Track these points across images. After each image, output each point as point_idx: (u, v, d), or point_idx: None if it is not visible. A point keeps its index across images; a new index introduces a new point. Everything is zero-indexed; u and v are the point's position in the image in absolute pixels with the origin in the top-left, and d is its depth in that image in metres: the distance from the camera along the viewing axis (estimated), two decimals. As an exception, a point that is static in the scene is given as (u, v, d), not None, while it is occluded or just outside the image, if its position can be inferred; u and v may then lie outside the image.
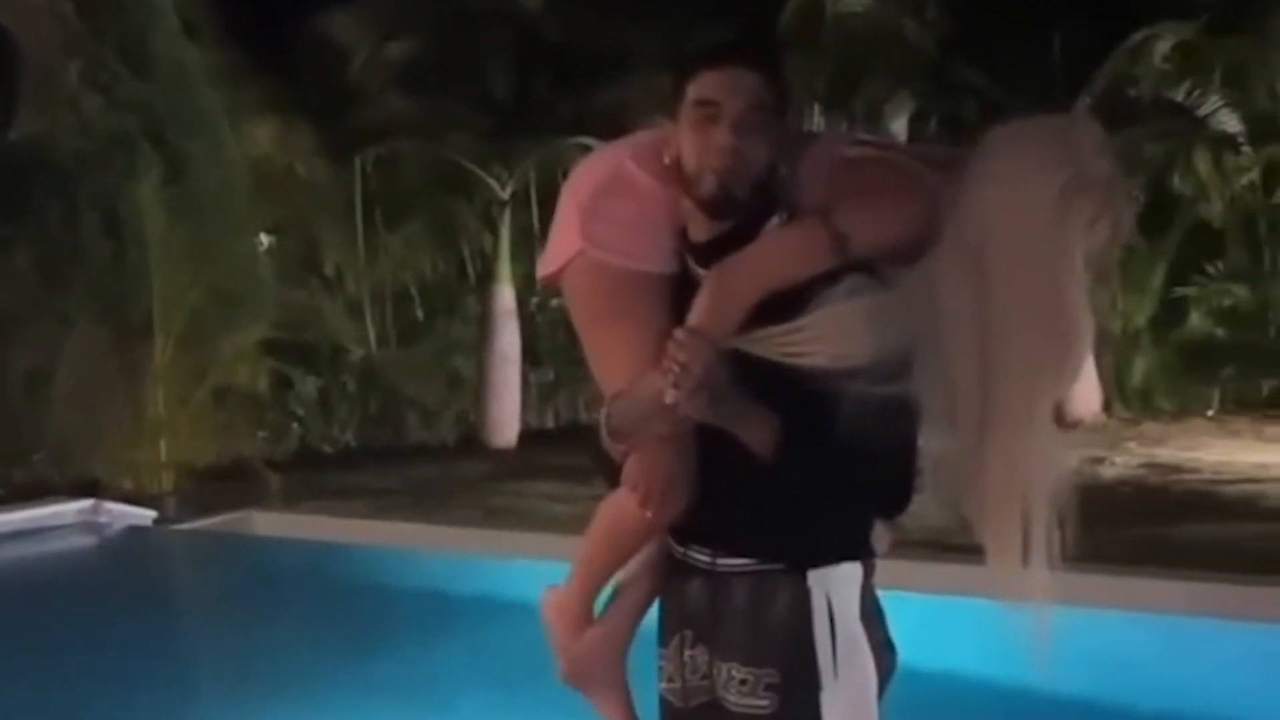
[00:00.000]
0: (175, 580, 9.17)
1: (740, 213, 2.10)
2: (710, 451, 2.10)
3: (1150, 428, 14.59)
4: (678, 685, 2.24)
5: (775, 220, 2.12)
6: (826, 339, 1.96)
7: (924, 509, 2.06)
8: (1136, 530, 8.35)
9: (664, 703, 2.28)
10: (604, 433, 2.14)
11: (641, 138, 2.25)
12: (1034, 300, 1.91)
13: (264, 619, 6.85)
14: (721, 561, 2.16)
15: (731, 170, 2.05)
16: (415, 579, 7.50)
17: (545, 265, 2.25)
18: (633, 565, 2.32)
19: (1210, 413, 15.52)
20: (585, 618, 2.35)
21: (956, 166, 2.03)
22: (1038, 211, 1.90)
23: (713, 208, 2.09)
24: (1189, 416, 15.22)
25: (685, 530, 2.20)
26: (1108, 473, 11.82)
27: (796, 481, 2.05)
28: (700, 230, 2.14)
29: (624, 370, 2.13)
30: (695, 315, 2.04)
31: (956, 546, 2.12)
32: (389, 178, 16.80)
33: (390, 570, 7.95)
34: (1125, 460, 12.56)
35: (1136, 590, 5.91)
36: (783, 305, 2.01)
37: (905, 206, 2.03)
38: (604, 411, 2.15)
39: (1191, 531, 8.49)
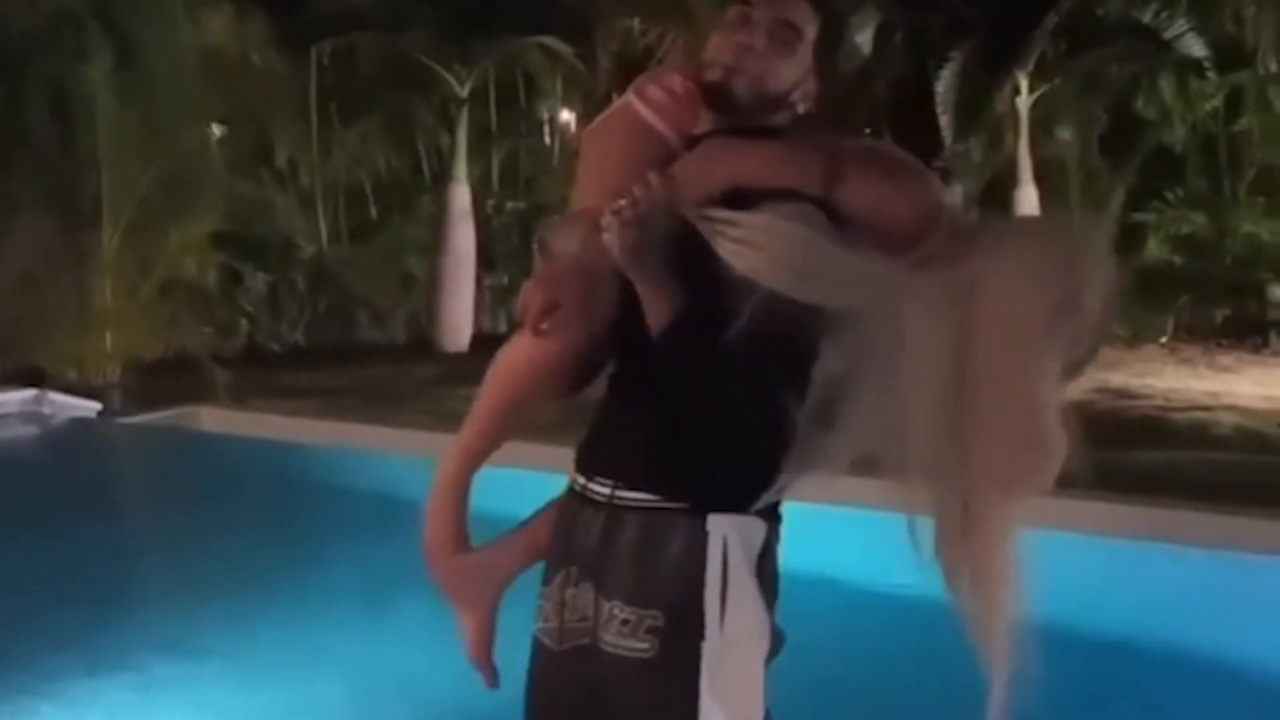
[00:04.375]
0: (119, 474, 9.10)
1: (735, 112, 2.10)
2: (620, 376, 2.11)
3: (1103, 353, 14.60)
4: (553, 625, 2.12)
5: None
6: (756, 246, 1.90)
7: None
8: (1086, 454, 8.37)
9: (536, 644, 2.17)
10: (535, 247, 2.16)
11: None
12: (1009, 402, 2.01)
13: (209, 516, 6.79)
14: (620, 495, 2.06)
15: (739, 67, 2.08)
16: (363, 480, 7.44)
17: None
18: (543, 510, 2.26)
19: (1163, 340, 15.60)
20: (458, 475, 2.26)
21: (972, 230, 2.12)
22: (1028, 318, 1.95)
23: (710, 94, 2.12)
24: (1142, 343, 15.28)
25: (590, 461, 2.14)
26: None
27: (679, 382, 2.00)
28: (703, 124, 2.16)
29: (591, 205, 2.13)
30: (673, 168, 2.05)
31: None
32: (345, 71, 16.47)
33: (338, 470, 7.90)
34: (1076, 385, 12.59)
35: (1084, 513, 5.92)
36: (736, 205, 1.97)
37: (913, 194, 2.08)
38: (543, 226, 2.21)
39: (1141, 457, 8.52)
